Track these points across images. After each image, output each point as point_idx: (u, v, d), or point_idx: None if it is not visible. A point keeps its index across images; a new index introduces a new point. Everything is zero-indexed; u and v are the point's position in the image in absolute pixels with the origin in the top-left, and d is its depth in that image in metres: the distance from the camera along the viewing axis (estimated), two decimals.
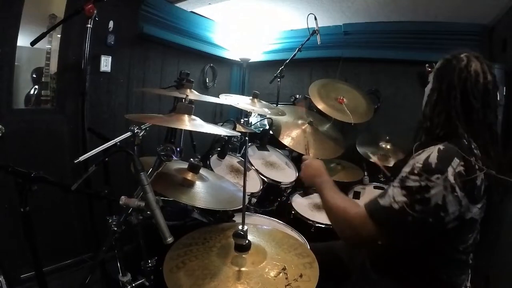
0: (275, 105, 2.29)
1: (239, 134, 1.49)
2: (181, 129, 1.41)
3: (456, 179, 0.81)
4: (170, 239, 0.82)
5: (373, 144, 2.19)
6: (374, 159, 1.98)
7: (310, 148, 1.88)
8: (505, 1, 1.77)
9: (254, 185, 1.71)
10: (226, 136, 1.61)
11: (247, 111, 2.32)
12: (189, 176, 1.20)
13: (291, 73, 2.78)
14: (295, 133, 1.96)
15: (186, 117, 1.01)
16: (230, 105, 1.92)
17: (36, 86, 1.94)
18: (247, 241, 0.89)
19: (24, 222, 0.95)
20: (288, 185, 1.82)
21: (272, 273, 0.84)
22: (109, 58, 2.03)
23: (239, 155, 1.94)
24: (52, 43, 1.88)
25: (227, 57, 2.97)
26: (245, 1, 2.33)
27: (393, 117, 2.45)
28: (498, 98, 0.93)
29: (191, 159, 1.23)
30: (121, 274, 1.09)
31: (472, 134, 0.88)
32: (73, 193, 0.91)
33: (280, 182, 1.77)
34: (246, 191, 0.98)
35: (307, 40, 2.26)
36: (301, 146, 1.87)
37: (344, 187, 2.03)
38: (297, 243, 1.02)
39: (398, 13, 2.24)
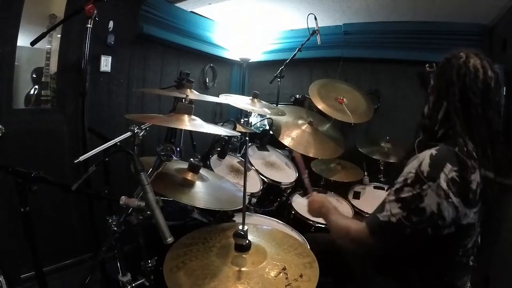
0: (275, 105, 2.29)
1: (239, 134, 1.49)
2: (181, 129, 1.41)
3: (450, 185, 0.80)
4: (170, 239, 0.82)
5: (373, 144, 2.19)
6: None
7: (310, 149, 1.88)
8: (505, 1, 1.77)
9: (254, 185, 1.71)
10: (226, 136, 1.61)
11: (247, 111, 2.32)
12: (189, 176, 1.20)
13: (291, 73, 2.78)
14: (295, 133, 1.96)
15: (186, 117, 1.02)
16: (230, 105, 1.92)
17: (36, 86, 1.93)
18: (247, 241, 0.89)
19: (24, 222, 0.95)
20: (288, 185, 1.82)
21: (272, 273, 0.84)
22: (109, 58, 2.03)
23: (239, 155, 1.94)
24: (52, 43, 1.87)
25: (227, 57, 2.97)
26: (245, 1, 2.33)
27: (393, 117, 2.45)
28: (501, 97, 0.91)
29: (191, 159, 1.23)
30: (121, 274, 1.09)
31: (470, 132, 0.86)
32: (73, 193, 0.91)
33: (280, 182, 1.77)
34: (246, 191, 0.98)
35: (307, 40, 2.26)
36: (302, 147, 1.87)
37: (344, 187, 2.03)
38: (297, 243, 1.02)
39: (398, 13, 2.24)
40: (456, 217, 0.82)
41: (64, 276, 1.79)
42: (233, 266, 0.86)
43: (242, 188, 0.95)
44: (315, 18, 2.17)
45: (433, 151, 0.84)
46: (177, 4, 2.38)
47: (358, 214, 1.79)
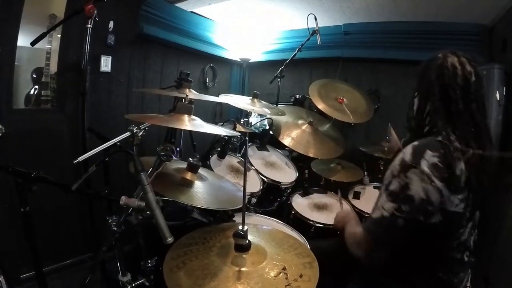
0: (275, 105, 2.29)
1: (239, 134, 1.49)
2: (181, 129, 1.41)
3: (432, 170, 0.83)
4: (170, 239, 0.82)
5: (373, 144, 2.19)
6: None
7: (310, 149, 1.88)
8: (505, 1, 1.77)
9: (254, 185, 1.71)
10: (226, 136, 1.61)
11: (247, 111, 2.32)
12: (188, 176, 1.20)
13: (291, 73, 2.78)
14: (295, 133, 1.96)
15: (186, 117, 1.02)
16: (230, 105, 1.92)
17: (36, 86, 1.94)
18: (247, 241, 0.89)
19: (24, 222, 0.95)
20: (288, 185, 1.82)
21: (272, 273, 0.84)
22: (109, 58, 2.03)
23: (239, 155, 1.94)
24: (52, 43, 1.88)
25: (227, 57, 2.97)
26: (245, 1, 2.33)
27: (393, 117, 2.45)
28: (481, 89, 0.94)
29: (190, 159, 1.23)
30: (121, 274, 1.09)
31: (453, 126, 0.90)
32: (73, 193, 0.91)
33: (280, 182, 1.77)
34: (246, 191, 0.98)
35: (307, 40, 2.26)
36: (302, 147, 1.87)
37: (344, 187, 2.03)
38: (297, 243, 1.02)
39: (398, 13, 2.24)
40: (441, 202, 0.84)
41: (64, 276, 1.79)
42: (233, 266, 0.86)
43: (242, 188, 0.95)
44: (315, 18, 2.17)
45: (415, 142, 0.90)
46: (177, 4, 2.38)
47: (358, 214, 1.78)
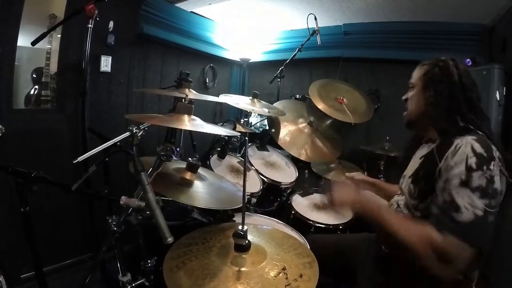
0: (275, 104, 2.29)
1: (239, 134, 1.49)
2: (181, 129, 1.41)
3: (501, 162, 0.85)
4: (170, 239, 0.82)
5: (373, 144, 2.19)
6: None
7: (304, 151, 1.87)
8: (505, 1, 1.77)
9: (254, 185, 1.71)
10: (226, 136, 1.61)
11: (247, 111, 2.32)
12: (188, 175, 1.20)
13: (291, 73, 2.78)
14: (292, 133, 1.96)
15: (186, 117, 1.02)
16: (230, 105, 1.92)
17: (36, 86, 1.94)
18: (247, 241, 0.89)
19: (24, 222, 0.95)
20: (288, 185, 1.82)
21: (272, 273, 0.84)
22: (109, 58, 2.03)
23: (239, 155, 1.94)
24: (52, 43, 1.88)
25: (227, 57, 2.97)
26: (245, 1, 2.33)
27: (393, 117, 2.45)
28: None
29: (189, 159, 1.23)
30: (121, 274, 1.09)
31: (476, 124, 0.94)
32: (73, 193, 0.91)
33: (280, 182, 1.77)
34: (246, 191, 0.98)
35: (307, 40, 2.27)
36: (295, 149, 1.87)
37: None
38: (297, 243, 1.02)
39: (398, 13, 2.24)
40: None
41: (64, 276, 1.79)
42: (233, 266, 0.86)
43: (242, 188, 0.95)
44: (315, 18, 2.17)
45: (468, 137, 0.88)
46: (177, 4, 2.38)
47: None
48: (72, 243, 1.90)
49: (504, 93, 1.63)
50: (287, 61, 2.32)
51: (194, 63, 2.74)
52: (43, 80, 1.92)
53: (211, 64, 2.88)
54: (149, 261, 1.14)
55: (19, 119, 1.70)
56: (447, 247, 0.82)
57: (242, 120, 2.26)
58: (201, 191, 1.16)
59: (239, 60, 3.02)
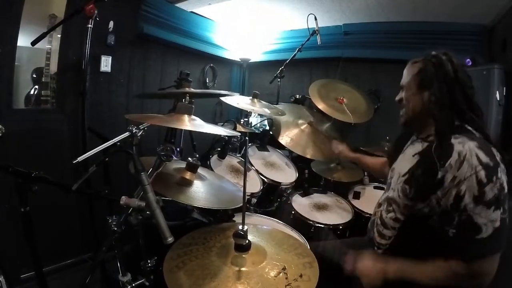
0: (275, 104, 2.29)
1: (239, 134, 1.49)
2: (181, 129, 1.41)
3: (503, 163, 0.86)
4: (170, 239, 0.81)
5: (373, 144, 2.19)
6: None
7: (309, 150, 1.87)
8: (505, 1, 1.77)
9: (254, 185, 1.70)
10: (226, 136, 1.61)
11: (247, 111, 2.32)
12: (188, 175, 1.20)
13: (291, 73, 2.78)
14: (294, 133, 1.96)
15: (186, 117, 1.01)
16: (230, 105, 1.92)
17: (36, 86, 1.93)
18: (247, 241, 0.89)
19: (24, 222, 0.95)
20: (288, 186, 1.82)
21: (272, 273, 0.84)
22: (109, 58, 2.03)
23: (239, 155, 1.94)
24: (52, 43, 1.87)
25: (227, 57, 2.97)
26: (245, 1, 2.33)
27: (393, 117, 2.44)
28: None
29: (189, 159, 1.22)
30: (121, 274, 1.09)
31: (474, 124, 0.94)
32: (73, 193, 0.90)
33: (280, 183, 1.77)
34: (246, 191, 0.98)
35: (307, 40, 2.27)
36: (300, 148, 1.87)
37: (344, 187, 2.03)
38: (297, 243, 1.02)
39: (398, 13, 2.24)
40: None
41: (64, 276, 1.79)
42: (233, 266, 0.86)
43: (242, 188, 0.95)
44: (315, 18, 2.17)
45: (470, 144, 0.86)
46: (177, 4, 2.38)
47: (358, 214, 1.78)
48: (72, 243, 1.90)
49: (504, 93, 1.63)
50: (287, 61, 2.32)
51: (194, 63, 2.75)
52: (43, 80, 1.92)
53: (211, 64, 2.88)
54: (149, 261, 1.14)
55: (19, 119, 1.70)
56: (477, 271, 0.84)
57: (242, 120, 2.27)
58: (201, 191, 1.16)
59: (239, 60, 3.02)
